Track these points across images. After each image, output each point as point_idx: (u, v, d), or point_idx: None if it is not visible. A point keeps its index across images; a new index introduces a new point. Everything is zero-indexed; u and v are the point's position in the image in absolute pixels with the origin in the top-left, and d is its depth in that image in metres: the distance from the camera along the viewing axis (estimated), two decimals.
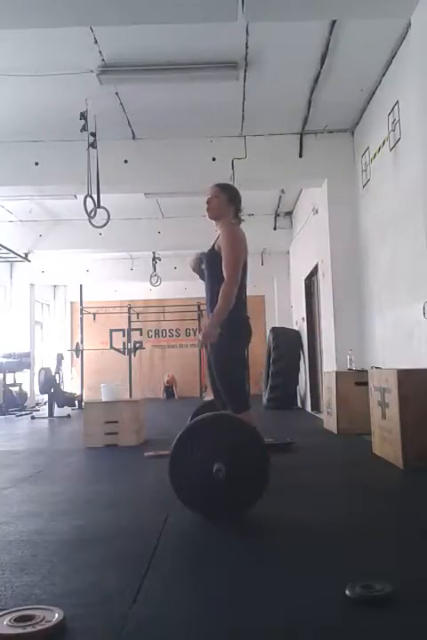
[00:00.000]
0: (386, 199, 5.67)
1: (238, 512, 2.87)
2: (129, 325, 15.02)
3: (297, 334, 10.37)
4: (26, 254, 11.11)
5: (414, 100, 4.36)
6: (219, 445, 2.85)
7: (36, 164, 6.90)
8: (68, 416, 9.70)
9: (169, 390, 15.15)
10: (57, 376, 10.60)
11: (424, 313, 4.50)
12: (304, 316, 9.76)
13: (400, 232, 5.23)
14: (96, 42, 4.92)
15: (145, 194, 8.63)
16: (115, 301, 15.23)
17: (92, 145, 5.93)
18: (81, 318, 12.90)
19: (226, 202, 3.57)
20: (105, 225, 6.35)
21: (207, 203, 3.58)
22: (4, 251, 10.62)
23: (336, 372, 6.31)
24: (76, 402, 11.18)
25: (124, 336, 14.97)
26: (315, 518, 2.85)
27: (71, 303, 15.61)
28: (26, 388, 12.10)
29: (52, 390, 10.20)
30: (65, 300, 15.68)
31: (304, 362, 9.87)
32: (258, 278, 13.37)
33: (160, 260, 12.00)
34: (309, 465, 4.41)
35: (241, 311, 3.36)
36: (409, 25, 4.29)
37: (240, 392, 3.37)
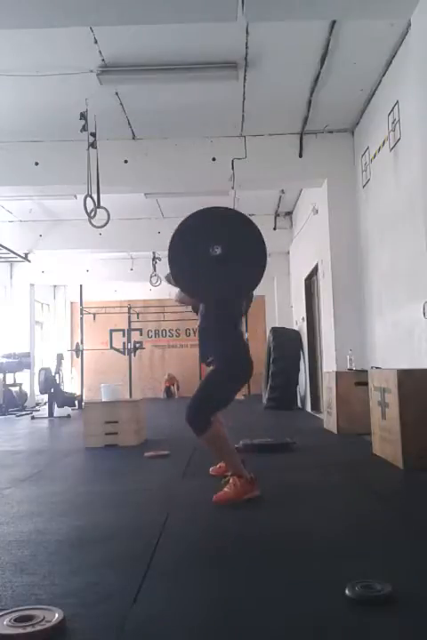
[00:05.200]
0: (386, 199, 5.67)
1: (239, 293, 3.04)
2: (129, 325, 15.01)
3: (297, 334, 10.37)
4: (26, 254, 11.11)
5: (414, 100, 4.36)
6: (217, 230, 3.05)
7: (36, 164, 6.90)
8: (68, 416, 9.70)
9: (169, 390, 15.13)
10: (57, 376, 10.59)
11: (424, 313, 4.50)
12: (304, 315, 9.75)
13: (400, 232, 5.23)
14: (96, 42, 4.92)
15: (145, 194, 8.64)
16: (115, 301, 15.22)
17: (92, 145, 5.93)
18: (81, 318, 12.89)
19: None
20: (105, 225, 6.35)
21: None
22: (4, 251, 10.62)
23: (336, 372, 6.31)
24: (76, 402, 11.18)
25: (124, 336, 14.97)
26: (315, 518, 2.85)
27: (71, 303, 15.60)
28: (26, 388, 12.10)
29: (52, 390, 10.20)
30: (65, 300, 15.68)
31: (304, 362, 9.87)
32: None
33: (160, 259, 11.99)
34: (309, 465, 4.41)
35: (234, 349, 3.38)
36: (409, 25, 4.29)
37: (204, 412, 3.29)
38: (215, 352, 3.39)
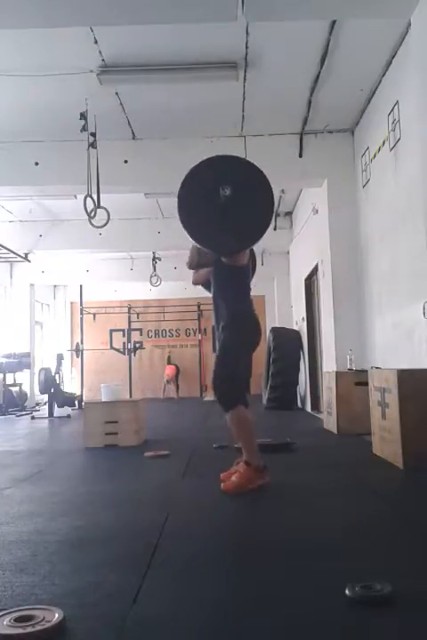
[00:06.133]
0: (386, 199, 5.67)
1: (247, 242, 3.04)
2: (129, 325, 15.02)
3: (297, 334, 10.37)
4: (26, 254, 11.12)
5: (414, 100, 4.36)
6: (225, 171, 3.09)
7: (36, 164, 6.90)
8: (68, 416, 9.70)
9: (170, 384, 14.97)
10: (57, 376, 10.59)
11: (424, 313, 4.50)
12: (304, 315, 9.76)
13: (400, 232, 5.23)
14: (96, 42, 4.92)
15: (145, 194, 8.63)
16: (115, 301, 15.23)
17: (92, 145, 5.93)
18: (81, 318, 12.90)
19: None
20: (105, 225, 6.35)
21: None
22: (4, 251, 10.62)
23: (336, 372, 6.31)
24: (76, 402, 11.18)
25: (124, 336, 14.98)
26: (315, 518, 2.85)
27: (71, 303, 15.61)
28: (26, 388, 12.10)
29: (52, 390, 10.21)
30: (65, 300, 15.68)
31: (304, 362, 9.87)
32: (258, 278, 13.29)
33: (160, 259, 12.00)
34: (309, 465, 4.41)
35: (243, 306, 3.43)
36: (409, 25, 4.29)
37: (230, 386, 3.37)
38: (227, 313, 3.41)
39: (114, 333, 14.98)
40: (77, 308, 13.51)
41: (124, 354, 14.59)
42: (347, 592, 1.78)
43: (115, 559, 2.30)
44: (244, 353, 3.47)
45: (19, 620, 1.67)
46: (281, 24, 4.60)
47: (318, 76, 5.61)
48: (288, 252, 11.60)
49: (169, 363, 15.37)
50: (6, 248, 10.47)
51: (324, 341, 7.88)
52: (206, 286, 3.79)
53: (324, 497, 3.34)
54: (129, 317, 15.11)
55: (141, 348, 14.79)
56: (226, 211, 3.05)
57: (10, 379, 11.48)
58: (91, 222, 6.08)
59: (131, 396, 12.31)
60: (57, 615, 1.69)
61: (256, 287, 13.86)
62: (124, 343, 14.79)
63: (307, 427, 7.31)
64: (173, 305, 15.13)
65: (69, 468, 4.82)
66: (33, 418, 9.76)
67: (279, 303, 12.47)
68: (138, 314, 15.33)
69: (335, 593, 1.81)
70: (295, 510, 3.02)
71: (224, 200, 2.97)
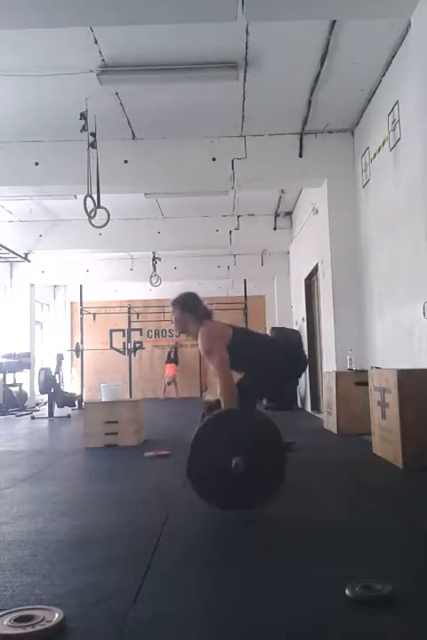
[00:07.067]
0: (386, 199, 5.67)
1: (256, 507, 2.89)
2: (129, 325, 15.01)
3: (297, 334, 10.35)
4: (26, 254, 11.12)
5: (414, 100, 4.36)
6: (238, 440, 2.87)
7: (36, 164, 6.90)
8: (68, 416, 9.70)
9: (170, 386, 14.94)
10: (57, 376, 10.59)
11: (424, 313, 4.50)
12: (304, 315, 9.75)
13: (400, 232, 5.23)
14: (96, 42, 4.92)
15: (145, 194, 8.63)
16: (115, 301, 15.21)
17: (92, 145, 5.93)
18: (81, 318, 12.89)
19: (181, 315, 3.63)
20: (105, 225, 6.35)
21: (171, 323, 3.75)
22: (4, 251, 10.62)
23: (336, 372, 6.31)
24: (76, 402, 11.18)
25: (124, 336, 14.96)
26: (315, 518, 2.85)
27: (71, 303, 15.60)
28: (26, 388, 12.10)
29: (52, 390, 10.20)
30: (65, 300, 15.67)
31: None
32: (258, 278, 13.40)
33: (160, 259, 12.00)
34: (309, 465, 4.41)
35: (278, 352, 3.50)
36: (409, 25, 4.29)
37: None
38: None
39: (114, 333, 14.95)
40: (77, 307, 13.50)
41: (124, 354, 14.57)
42: (347, 592, 1.78)
43: (115, 559, 2.30)
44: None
45: (19, 619, 1.67)
46: (281, 24, 4.61)
47: (318, 76, 5.61)
48: (288, 252, 11.60)
49: (169, 360, 15.31)
50: (6, 248, 10.46)
51: (324, 341, 7.88)
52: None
53: (324, 497, 3.34)
54: (129, 317, 15.09)
55: (141, 348, 14.78)
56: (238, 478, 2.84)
57: (10, 379, 11.48)
58: (91, 222, 6.08)
59: (131, 396, 12.29)
60: (57, 615, 1.69)
61: (256, 287, 13.89)
62: (124, 343, 14.78)
63: (307, 427, 7.31)
64: None
65: (69, 468, 4.82)
66: (33, 418, 9.76)
67: (279, 303, 12.47)
68: (138, 314, 15.31)
69: (335, 593, 1.81)
70: (295, 510, 3.02)
71: (236, 470, 2.80)
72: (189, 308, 3.59)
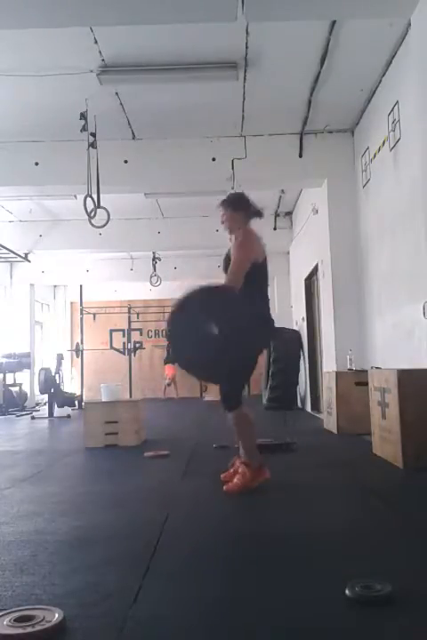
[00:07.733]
0: (386, 199, 5.67)
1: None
2: (129, 325, 15.01)
3: (297, 334, 10.37)
4: (26, 254, 11.11)
5: (414, 100, 4.36)
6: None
7: (36, 164, 6.90)
8: (68, 416, 9.70)
9: (170, 386, 14.92)
10: (57, 376, 10.60)
11: (424, 313, 4.50)
12: (304, 315, 9.75)
13: (400, 232, 5.23)
14: (96, 42, 4.92)
15: (145, 194, 8.63)
16: (115, 301, 15.22)
17: (92, 145, 5.93)
18: (81, 318, 12.90)
19: (231, 215, 3.67)
20: (105, 225, 6.35)
21: (221, 223, 3.74)
22: (4, 251, 10.62)
23: (336, 372, 6.31)
24: (76, 402, 11.18)
25: (124, 336, 14.97)
26: (315, 518, 2.85)
27: (71, 303, 15.60)
28: (26, 388, 12.11)
29: (52, 390, 10.21)
30: (65, 300, 15.68)
31: (304, 362, 9.87)
32: None
33: (160, 259, 12.00)
34: (309, 465, 4.41)
35: (261, 310, 3.52)
36: (409, 25, 4.29)
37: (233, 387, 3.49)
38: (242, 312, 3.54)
39: (114, 333, 14.96)
40: (77, 307, 13.51)
41: (124, 354, 14.58)
42: (347, 592, 1.78)
43: (115, 559, 2.30)
44: (250, 355, 3.51)
45: (19, 620, 1.67)
46: (281, 24, 4.61)
47: (317, 76, 5.61)
48: (288, 252, 11.60)
49: (168, 360, 15.26)
50: (6, 248, 10.47)
51: (324, 341, 7.88)
52: None
53: (324, 497, 3.34)
54: (129, 317, 15.10)
55: (141, 348, 14.78)
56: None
57: (10, 379, 11.49)
58: (91, 222, 6.09)
59: (131, 396, 12.30)
60: (57, 615, 1.69)
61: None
62: (124, 343, 14.79)
63: (307, 427, 7.31)
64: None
65: (69, 468, 4.82)
66: (33, 418, 9.76)
67: (279, 303, 12.46)
68: (138, 314, 15.32)
69: (335, 593, 1.81)
70: (295, 510, 3.03)
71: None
72: (240, 207, 3.66)
